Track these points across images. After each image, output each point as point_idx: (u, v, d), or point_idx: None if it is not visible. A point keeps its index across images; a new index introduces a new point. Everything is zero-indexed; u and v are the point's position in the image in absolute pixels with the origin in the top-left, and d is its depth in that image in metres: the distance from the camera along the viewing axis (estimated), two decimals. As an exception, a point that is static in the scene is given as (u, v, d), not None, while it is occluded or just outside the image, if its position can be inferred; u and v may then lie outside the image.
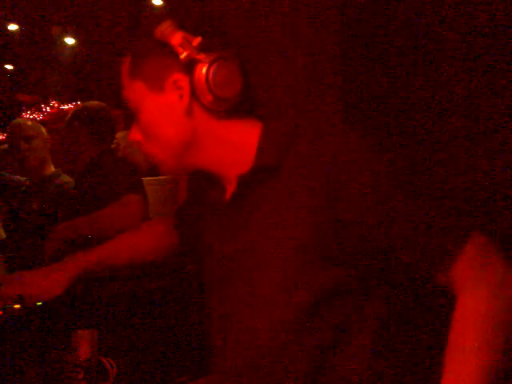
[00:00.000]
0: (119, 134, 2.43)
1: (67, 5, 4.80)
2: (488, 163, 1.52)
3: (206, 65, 0.89)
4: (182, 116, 0.93)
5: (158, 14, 5.16)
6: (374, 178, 0.87)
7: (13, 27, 5.36)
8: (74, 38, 5.76)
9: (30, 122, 2.60)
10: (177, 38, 0.90)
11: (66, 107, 6.67)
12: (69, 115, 2.25)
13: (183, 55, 0.89)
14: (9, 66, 6.37)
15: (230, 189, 0.97)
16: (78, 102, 6.52)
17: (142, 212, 1.86)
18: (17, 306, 1.15)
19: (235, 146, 0.95)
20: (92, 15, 5.02)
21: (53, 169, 2.53)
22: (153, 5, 5.05)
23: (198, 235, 1.11)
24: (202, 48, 0.90)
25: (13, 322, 1.14)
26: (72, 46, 5.85)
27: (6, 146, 2.96)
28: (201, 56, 0.89)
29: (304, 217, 0.88)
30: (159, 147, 0.96)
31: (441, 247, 0.85)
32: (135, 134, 0.99)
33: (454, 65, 1.62)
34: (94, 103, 2.28)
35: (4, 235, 2.24)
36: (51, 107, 6.75)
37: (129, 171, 2.03)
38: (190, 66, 0.90)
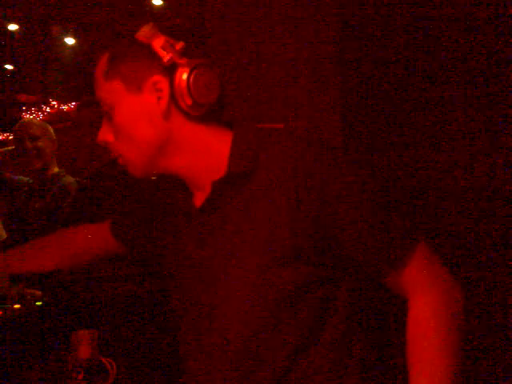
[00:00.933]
0: None
1: (67, 5, 4.80)
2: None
3: (188, 69, 0.90)
4: (158, 118, 0.93)
5: (158, 14, 5.16)
6: (343, 185, 0.91)
7: (13, 27, 5.35)
8: (73, 37, 5.75)
9: (37, 122, 2.59)
10: (159, 41, 0.91)
11: (65, 107, 6.67)
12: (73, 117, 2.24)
13: (166, 58, 0.90)
14: (9, 66, 6.37)
15: (200, 194, 0.98)
16: (74, 103, 6.53)
17: None
18: (17, 306, 1.15)
19: (208, 151, 0.96)
20: (92, 15, 5.02)
21: (57, 169, 2.53)
22: (153, 5, 5.05)
23: (151, 241, 1.12)
24: (183, 53, 0.91)
25: (13, 322, 1.14)
26: (72, 46, 5.85)
27: (12, 147, 2.95)
28: (183, 60, 0.91)
29: (275, 220, 0.90)
30: (131, 148, 0.96)
31: (392, 250, 0.91)
32: (105, 135, 0.98)
33: (454, 65, 1.62)
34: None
35: (5, 235, 2.23)
36: (51, 107, 6.74)
37: (141, 186, 2.01)
38: (170, 70, 0.91)
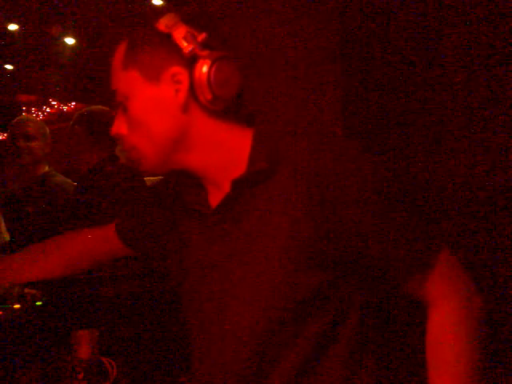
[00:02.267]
0: None
1: (67, 4, 4.80)
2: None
3: (209, 62, 0.86)
4: (175, 111, 0.90)
5: (158, 14, 5.16)
6: (365, 189, 0.87)
7: (13, 27, 5.35)
8: (73, 38, 5.75)
9: (34, 121, 2.57)
10: (180, 31, 0.87)
11: (65, 107, 6.67)
12: (72, 118, 2.24)
13: (187, 49, 0.87)
14: (9, 66, 6.36)
15: (216, 193, 0.95)
16: (74, 103, 6.54)
17: None
18: (17, 306, 1.15)
19: (227, 147, 0.93)
20: (92, 15, 5.01)
21: (46, 168, 2.51)
22: (153, 5, 5.04)
23: (160, 241, 1.09)
24: (205, 44, 0.88)
25: (13, 322, 1.14)
26: (72, 46, 5.84)
27: None
28: (204, 52, 0.87)
29: (295, 222, 0.87)
30: (145, 142, 0.92)
31: (416, 255, 0.89)
32: (119, 127, 0.94)
33: (455, 65, 1.62)
34: (97, 107, 2.26)
35: (8, 238, 2.23)
36: (51, 107, 6.74)
37: (136, 184, 1.99)
38: (190, 61, 0.88)
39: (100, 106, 2.28)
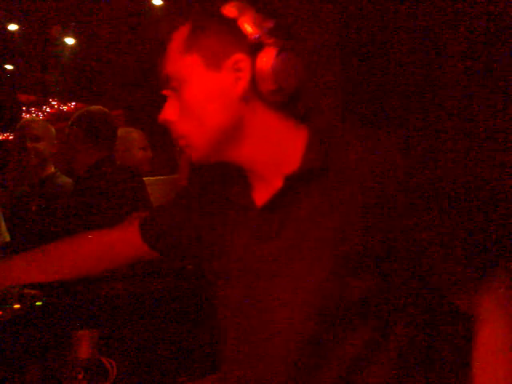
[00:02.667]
0: (119, 131, 2.41)
1: (67, 5, 4.80)
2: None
3: (275, 50, 0.82)
4: (232, 100, 0.85)
5: (158, 14, 5.16)
6: (422, 194, 0.83)
7: (13, 27, 5.35)
8: (73, 37, 5.75)
9: (40, 123, 2.57)
10: (247, 17, 0.83)
11: (65, 107, 6.67)
12: (71, 118, 2.24)
13: (253, 36, 0.82)
14: (9, 66, 6.36)
15: (264, 189, 0.90)
16: (74, 103, 6.54)
17: None
18: (17, 306, 1.15)
19: (281, 142, 0.88)
20: (92, 15, 5.02)
21: (52, 169, 2.53)
22: (153, 5, 5.04)
23: (192, 240, 1.04)
24: (271, 32, 0.83)
25: (13, 322, 1.14)
26: (72, 46, 5.84)
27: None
28: (271, 40, 0.83)
29: (345, 223, 0.82)
30: (197, 130, 0.87)
31: (470, 268, 0.84)
32: (169, 113, 0.89)
33: (455, 64, 1.62)
34: (95, 108, 2.26)
35: (8, 238, 2.23)
36: (51, 107, 6.75)
37: (135, 185, 1.99)
38: (255, 49, 0.83)
39: (99, 107, 2.28)
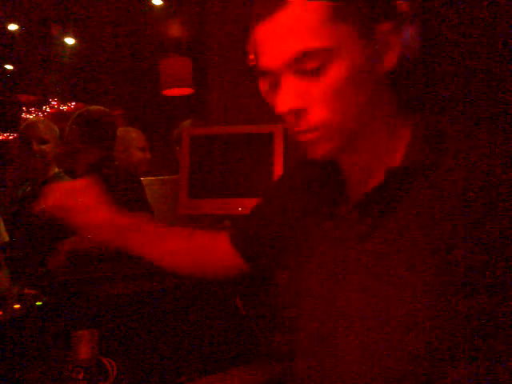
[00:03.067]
0: (118, 131, 2.41)
1: (67, 4, 4.80)
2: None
3: (420, 23, 0.73)
4: (377, 78, 0.74)
5: (158, 14, 5.16)
6: None
7: (13, 27, 5.36)
8: (73, 38, 5.76)
9: (45, 124, 2.56)
10: None
11: (65, 107, 6.68)
12: (71, 118, 2.24)
13: (403, 5, 0.73)
14: (9, 66, 6.37)
15: (364, 188, 0.79)
16: (74, 103, 6.55)
17: None
18: (17, 306, 1.15)
19: (392, 134, 0.78)
20: (92, 15, 5.02)
21: (56, 170, 2.53)
22: (153, 5, 5.05)
23: (282, 248, 0.95)
24: (415, 4, 0.74)
25: (13, 322, 1.14)
26: (72, 46, 5.85)
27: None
28: (418, 11, 0.74)
29: (452, 232, 0.70)
30: (339, 116, 0.73)
31: None
32: (298, 101, 0.72)
33: (456, 63, 1.60)
34: (95, 108, 2.26)
35: (7, 238, 2.24)
36: (51, 107, 6.75)
37: (133, 186, 1.98)
38: (403, 20, 0.73)
39: (98, 107, 2.28)
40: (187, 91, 4.18)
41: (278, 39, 0.71)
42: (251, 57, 0.81)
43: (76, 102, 6.59)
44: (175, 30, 5.43)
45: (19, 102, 6.78)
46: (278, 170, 1.57)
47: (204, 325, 1.41)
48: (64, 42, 5.78)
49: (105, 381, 1.12)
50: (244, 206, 1.58)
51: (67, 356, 1.11)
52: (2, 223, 2.22)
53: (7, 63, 6.30)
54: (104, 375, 1.12)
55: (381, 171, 0.75)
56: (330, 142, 0.75)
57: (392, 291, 0.73)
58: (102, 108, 2.25)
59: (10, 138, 6.10)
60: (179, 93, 4.21)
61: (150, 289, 1.41)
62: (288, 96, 0.73)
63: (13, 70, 6.40)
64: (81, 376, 1.08)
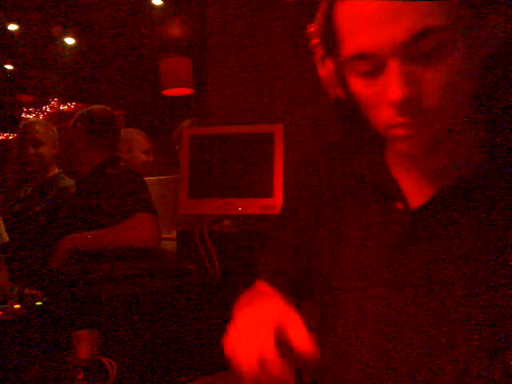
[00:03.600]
0: (122, 132, 2.40)
1: (67, 4, 4.80)
2: None
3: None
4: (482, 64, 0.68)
5: (158, 14, 5.17)
6: None
7: (13, 27, 5.36)
8: (73, 37, 5.76)
9: (42, 125, 2.53)
10: None
11: (65, 107, 6.68)
12: (74, 117, 2.23)
13: None
14: (9, 66, 6.37)
15: (426, 188, 0.75)
16: (75, 103, 6.55)
17: (154, 231, 1.80)
18: (17, 306, 1.15)
19: (470, 131, 0.73)
20: (92, 15, 5.02)
21: (56, 170, 2.52)
22: (153, 5, 5.05)
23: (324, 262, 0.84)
24: None
25: (13, 322, 1.14)
26: (72, 46, 5.85)
27: None
28: None
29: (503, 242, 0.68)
30: (450, 102, 0.65)
31: None
32: (413, 88, 0.63)
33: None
34: (98, 107, 2.24)
35: (7, 239, 2.23)
36: (51, 107, 6.75)
37: (138, 187, 1.98)
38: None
39: (101, 106, 2.26)
40: (187, 91, 4.18)
41: (390, 16, 0.61)
42: (315, 41, 0.73)
43: (76, 102, 6.59)
44: (175, 30, 5.43)
45: (19, 102, 6.78)
46: (278, 170, 1.57)
47: (204, 325, 1.41)
48: (64, 42, 5.78)
49: (105, 381, 1.12)
50: (244, 206, 1.58)
51: (67, 356, 1.11)
52: (2, 223, 2.21)
53: (7, 63, 6.30)
54: (104, 375, 1.12)
55: (445, 176, 0.72)
56: (439, 131, 0.68)
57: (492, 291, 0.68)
58: (105, 107, 2.23)
59: (10, 138, 6.10)
60: (179, 93, 4.21)
61: (150, 289, 1.41)
62: (402, 83, 0.63)
63: (13, 70, 6.40)
64: (81, 376, 1.08)
